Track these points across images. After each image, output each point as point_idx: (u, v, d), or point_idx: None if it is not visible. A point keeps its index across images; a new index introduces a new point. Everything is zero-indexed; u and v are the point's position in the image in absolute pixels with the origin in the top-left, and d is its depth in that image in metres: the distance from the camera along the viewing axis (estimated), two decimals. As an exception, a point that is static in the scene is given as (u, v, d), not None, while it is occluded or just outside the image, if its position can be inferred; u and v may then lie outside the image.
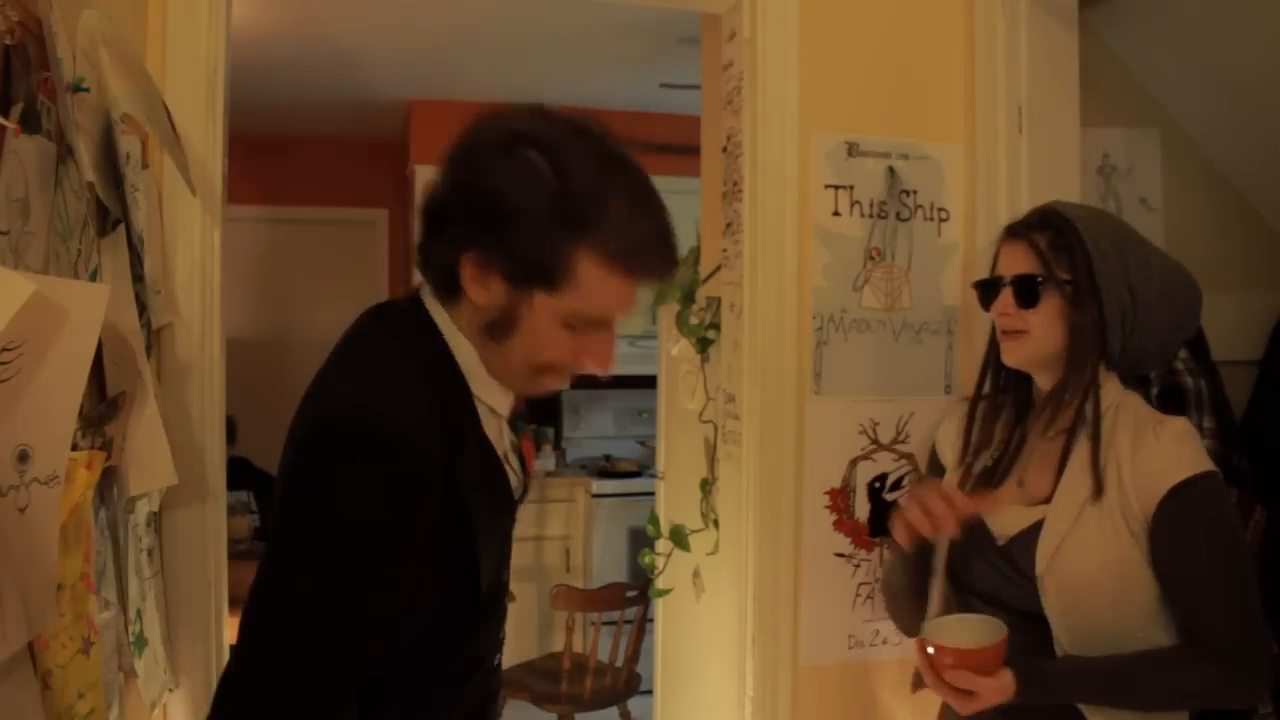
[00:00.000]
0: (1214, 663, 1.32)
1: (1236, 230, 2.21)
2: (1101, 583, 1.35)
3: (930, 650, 1.33)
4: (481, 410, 1.11)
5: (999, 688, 1.29)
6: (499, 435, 1.15)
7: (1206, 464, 1.35)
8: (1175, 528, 1.33)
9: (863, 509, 1.98)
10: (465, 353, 1.09)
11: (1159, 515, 1.34)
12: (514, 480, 1.18)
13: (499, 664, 1.22)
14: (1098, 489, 1.37)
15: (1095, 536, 1.36)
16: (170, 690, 1.62)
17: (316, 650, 0.94)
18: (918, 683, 1.40)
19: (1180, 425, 1.40)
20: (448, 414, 1.05)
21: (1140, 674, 1.34)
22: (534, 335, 1.05)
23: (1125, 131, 2.17)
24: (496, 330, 1.06)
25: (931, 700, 1.65)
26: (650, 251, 1.06)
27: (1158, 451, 1.36)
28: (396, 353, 1.07)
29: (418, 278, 1.16)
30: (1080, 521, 1.37)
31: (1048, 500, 1.42)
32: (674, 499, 2.85)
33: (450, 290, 1.08)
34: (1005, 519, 1.46)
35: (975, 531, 1.48)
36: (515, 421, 1.20)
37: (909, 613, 1.51)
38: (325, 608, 0.95)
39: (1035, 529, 1.40)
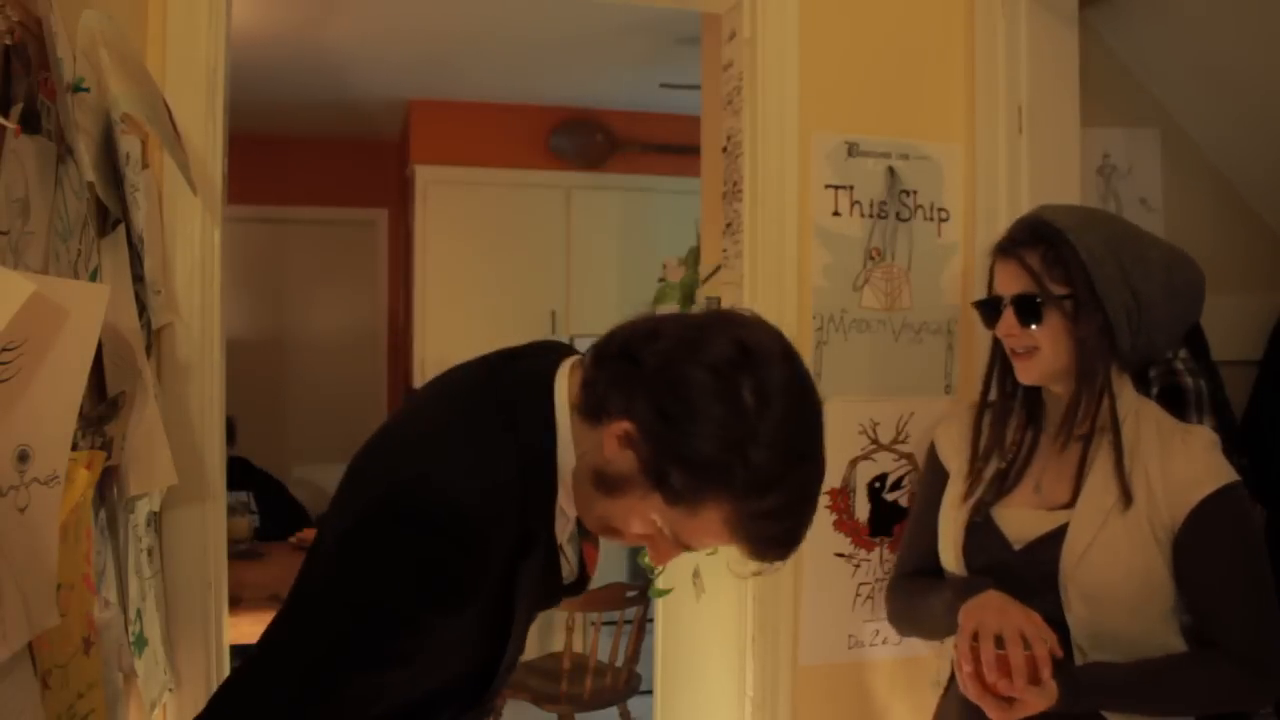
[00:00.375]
0: (1236, 667, 1.33)
1: (1237, 230, 2.21)
2: (1125, 589, 1.35)
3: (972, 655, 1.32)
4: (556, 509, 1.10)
5: (1046, 696, 1.29)
6: (562, 528, 1.13)
7: (1233, 474, 1.36)
8: (1204, 537, 1.34)
9: (863, 509, 1.97)
10: (565, 458, 1.06)
11: (1189, 525, 1.34)
12: (566, 571, 1.16)
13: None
14: (1126, 496, 1.37)
15: (1122, 544, 1.36)
16: (170, 690, 1.62)
17: (319, 699, 0.95)
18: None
19: (1208, 435, 1.40)
20: (527, 517, 1.04)
21: (1166, 679, 1.34)
22: (626, 512, 1.03)
23: (1125, 131, 2.17)
24: (601, 484, 1.04)
25: (933, 700, 1.65)
26: (773, 545, 1.03)
27: (1188, 461, 1.36)
28: (510, 442, 1.04)
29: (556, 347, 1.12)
30: (1106, 528, 1.37)
31: (1066, 506, 1.42)
32: (674, 499, 2.84)
33: (589, 414, 1.04)
34: (1021, 523, 1.45)
35: (989, 536, 1.47)
36: (581, 526, 1.18)
37: (943, 634, 1.51)
38: (347, 662, 0.96)
39: (1055, 535, 1.40)
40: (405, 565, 0.96)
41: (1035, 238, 1.42)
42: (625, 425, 0.99)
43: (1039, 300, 1.40)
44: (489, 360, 1.13)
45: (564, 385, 1.07)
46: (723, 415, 0.96)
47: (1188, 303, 1.44)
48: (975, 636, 1.33)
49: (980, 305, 1.51)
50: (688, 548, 1.05)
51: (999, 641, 1.31)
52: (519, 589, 1.05)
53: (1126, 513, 1.36)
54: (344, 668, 0.96)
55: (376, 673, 0.97)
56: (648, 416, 0.98)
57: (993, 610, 1.34)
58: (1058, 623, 1.36)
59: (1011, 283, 1.44)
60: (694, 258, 2.57)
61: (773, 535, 1.02)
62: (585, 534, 1.19)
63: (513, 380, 1.09)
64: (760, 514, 0.99)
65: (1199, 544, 1.34)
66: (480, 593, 1.01)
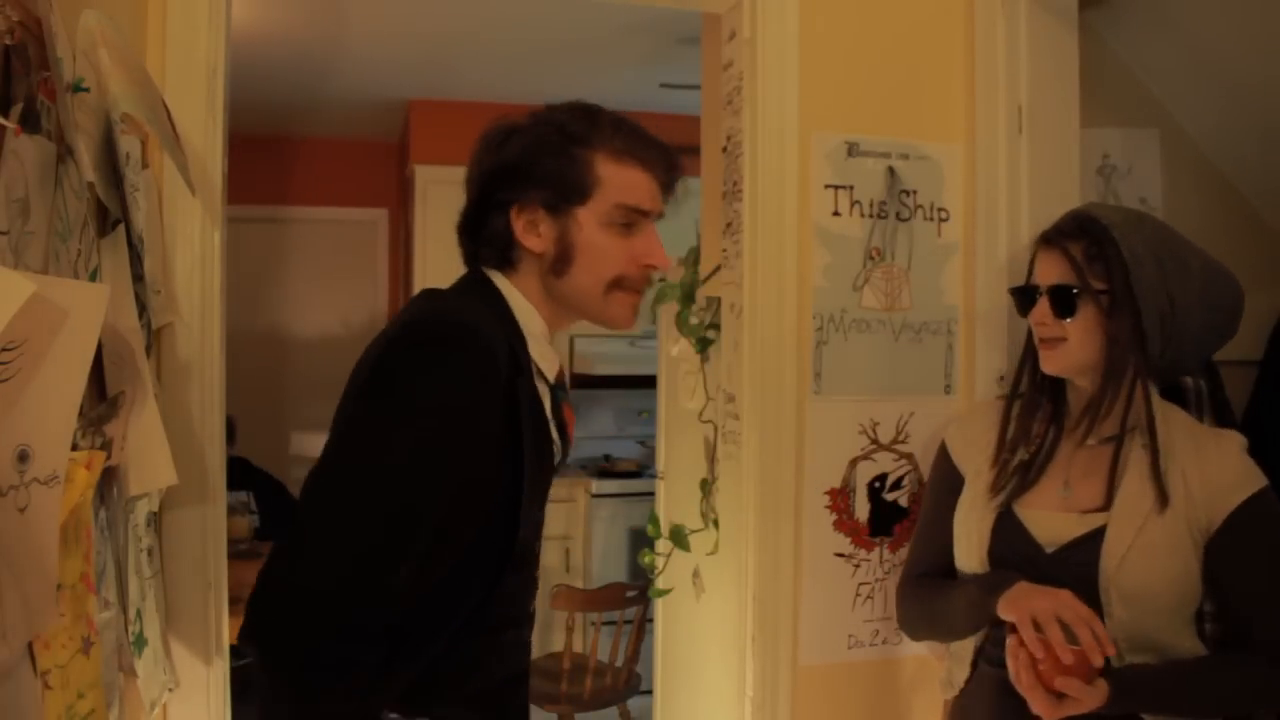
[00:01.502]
0: (1273, 668, 1.34)
1: (1236, 230, 2.20)
2: (1163, 592, 1.35)
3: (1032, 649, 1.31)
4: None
5: (1097, 695, 1.28)
6: (543, 391, 1.25)
7: (1264, 478, 1.37)
8: (1242, 541, 1.34)
9: (863, 509, 1.97)
10: (525, 313, 1.24)
11: (1226, 529, 1.35)
12: (554, 443, 1.28)
13: (529, 642, 1.27)
14: (1162, 499, 1.37)
15: (1161, 547, 1.36)
16: (170, 690, 1.62)
17: (398, 520, 1.04)
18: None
19: (1241, 439, 1.41)
20: (510, 340, 1.19)
21: (1202, 680, 1.35)
22: (592, 251, 1.22)
23: (1125, 131, 2.17)
24: (560, 263, 1.23)
25: (933, 700, 1.65)
26: (647, 144, 1.27)
27: (1225, 465, 1.37)
28: (469, 300, 1.23)
29: (424, 279, 1.28)
30: (1144, 531, 1.36)
31: (1099, 509, 1.41)
32: (674, 499, 2.85)
33: (507, 258, 1.25)
34: (1053, 527, 1.44)
35: (1015, 535, 1.47)
36: (557, 389, 1.28)
37: (964, 632, 1.51)
38: (410, 482, 1.05)
39: (1091, 538, 1.39)
40: (437, 370, 1.09)
41: (1081, 231, 1.44)
42: (513, 213, 1.23)
43: (1076, 291, 1.41)
44: (418, 295, 1.32)
45: (486, 268, 1.28)
46: (532, 134, 1.24)
47: (1223, 318, 1.45)
48: (1036, 626, 1.31)
49: (1016, 291, 1.52)
50: (643, 213, 1.25)
51: (1069, 634, 1.29)
52: (522, 413, 1.15)
53: (1163, 515, 1.36)
54: (414, 489, 1.05)
55: (436, 498, 1.06)
56: (511, 191, 1.23)
57: (1040, 595, 1.33)
58: None
59: (1051, 272, 1.45)
60: (694, 258, 2.56)
61: (636, 139, 1.27)
62: (561, 397, 1.30)
63: (452, 290, 1.29)
64: (615, 136, 1.25)
65: (1236, 548, 1.34)
66: (498, 390, 1.12)
